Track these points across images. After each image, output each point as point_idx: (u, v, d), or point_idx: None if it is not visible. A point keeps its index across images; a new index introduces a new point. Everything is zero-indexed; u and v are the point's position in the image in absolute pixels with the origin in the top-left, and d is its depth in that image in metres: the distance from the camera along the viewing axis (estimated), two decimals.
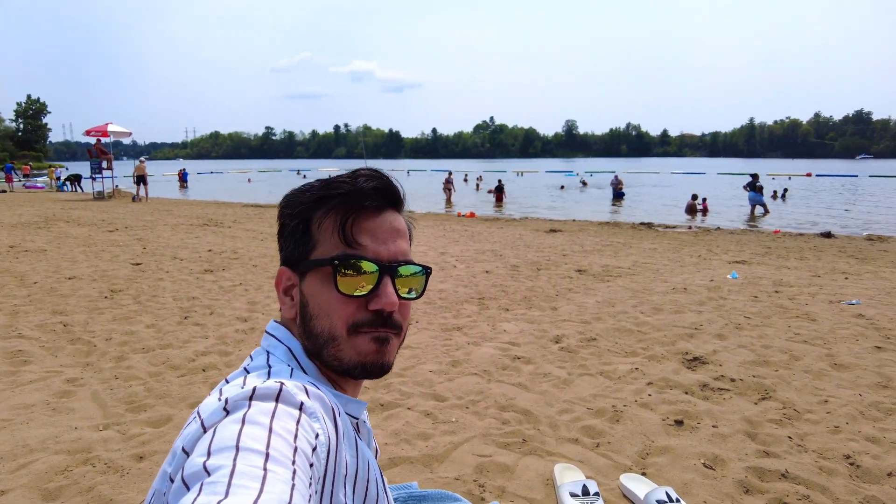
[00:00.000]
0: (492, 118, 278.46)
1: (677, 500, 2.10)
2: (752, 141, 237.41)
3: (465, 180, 39.20)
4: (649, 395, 3.33)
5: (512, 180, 41.65)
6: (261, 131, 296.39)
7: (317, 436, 0.65)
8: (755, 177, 19.17)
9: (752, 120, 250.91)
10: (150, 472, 2.44)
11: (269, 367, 0.77)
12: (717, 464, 2.53)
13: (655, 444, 2.72)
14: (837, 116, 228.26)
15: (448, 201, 23.49)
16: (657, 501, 2.08)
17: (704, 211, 18.91)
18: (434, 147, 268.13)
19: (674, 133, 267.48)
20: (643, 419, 2.98)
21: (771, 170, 57.58)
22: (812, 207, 22.34)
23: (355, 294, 0.77)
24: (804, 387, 3.47)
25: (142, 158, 21.51)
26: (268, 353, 0.81)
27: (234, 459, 0.55)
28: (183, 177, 37.67)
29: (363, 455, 0.77)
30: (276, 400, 0.65)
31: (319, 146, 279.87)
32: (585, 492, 2.12)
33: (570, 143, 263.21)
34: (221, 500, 0.50)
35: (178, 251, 8.58)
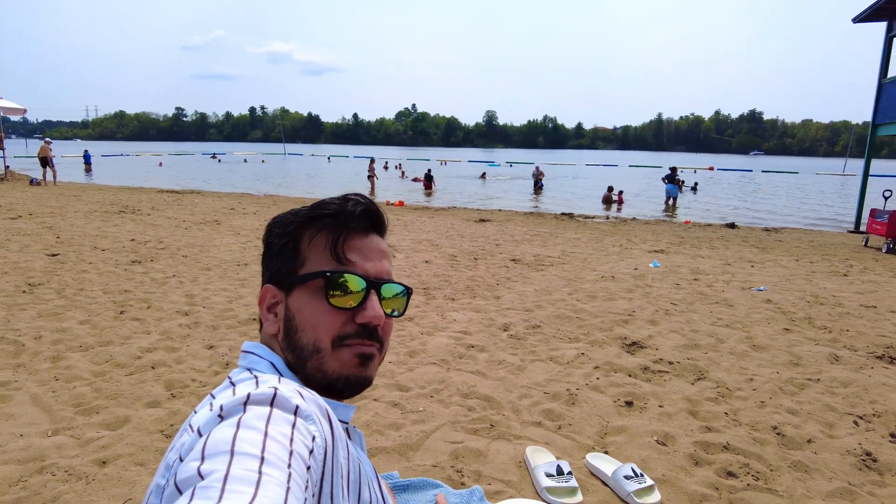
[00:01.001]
0: (414, 106, 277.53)
1: (641, 475, 2.30)
2: (660, 135, 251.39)
3: (386, 168, 39.06)
4: (597, 378, 3.57)
5: (436, 168, 41.88)
6: (171, 112, 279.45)
7: (313, 438, 0.65)
8: (674, 170, 20.32)
9: (660, 115, 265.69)
10: (119, 478, 2.36)
11: (256, 377, 0.77)
12: (667, 440, 2.78)
13: (611, 425, 2.94)
14: (735, 115, 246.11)
15: (372, 190, 23.30)
16: (625, 477, 2.27)
17: (620, 202, 19.90)
18: (355, 133, 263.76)
19: (588, 126, 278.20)
20: (596, 401, 3.20)
21: (677, 163, 61.26)
22: (719, 200, 24.13)
23: (344, 306, 0.80)
24: (731, 367, 3.84)
25: (46, 139, 19.72)
26: (249, 369, 0.81)
27: (229, 464, 0.55)
28: (86, 158, 34.98)
29: (354, 457, 0.77)
30: (272, 404, 0.65)
31: (234, 129, 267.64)
32: (560, 471, 2.27)
33: (491, 134, 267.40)
34: None
35: (98, 241, 8.04)
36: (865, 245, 11.24)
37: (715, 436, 2.81)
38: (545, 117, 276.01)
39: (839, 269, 8.13)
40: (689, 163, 71.09)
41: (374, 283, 0.83)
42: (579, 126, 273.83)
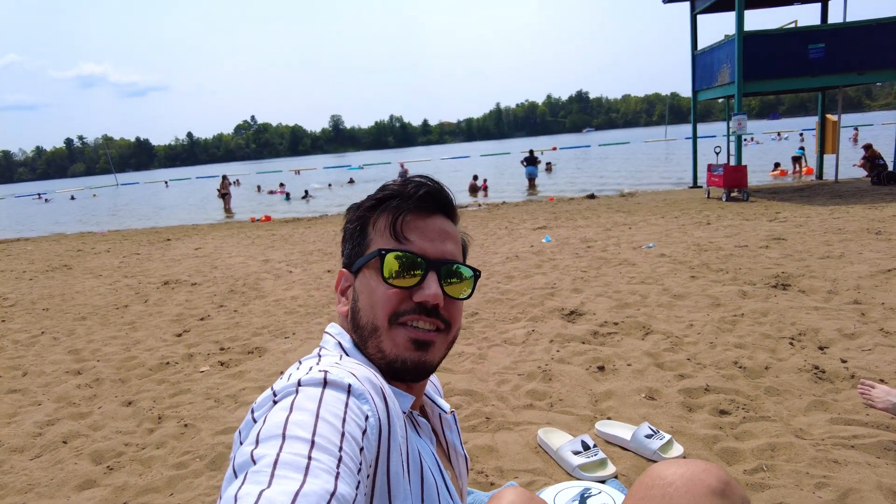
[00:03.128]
0: (253, 117, 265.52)
1: (657, 431, 2.32)
2: (500, 123, 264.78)
3: (238, 183, 37.21)
4: (557, 351, 3.59)
5: (291, 179, 40.48)
6: None
7: (366, 418, 0.65)
8: (532, 152, 21.50)
9: (498, 105, 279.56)
10: None
11: (320, 355, 0.80)
12: (654, 394, 2.86)
13: (597, 391, 2.96)
14: (564, 97, 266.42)
15: (227, 207, 21.80)
16: (645, 436, 2.28)
17: (485, 189, 20.67)
18: (192, 152, 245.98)
19: (434, 122, 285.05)
20: (570, 373, 3.21)
21: (519, 147, 65.01)
22: (572, 175, 25.93)
23: (400, 285, 0.81)
24: (667, 318, 4.07)
25: None
26: (320, 348, 0.86)
27: (280, 448, 0.55)
28: None
29: (413, 442, 0.77)
30: (324, 385, 0.65)
31: (49, 165, 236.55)
32: (585, 447, 2.22)
33: (339, 138, 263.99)
34: (263, 490, 0.50)
35: None
36: (708, 197, 12.69)
37: (691, 381, 2.94)
38: (392, 117, 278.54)
39: (701, 219, 9.07)
40: (531, 146, 75.70)
41: (433, 263, 0.82)
42: (425, 123, 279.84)
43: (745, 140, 34.57)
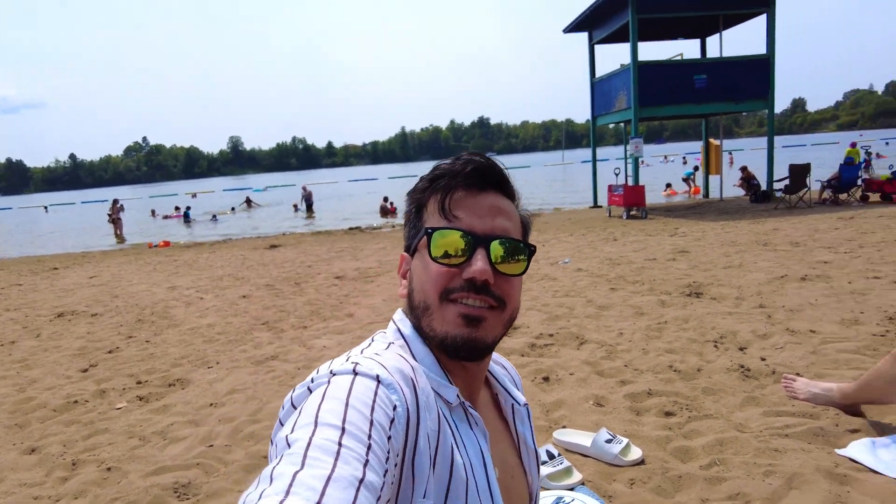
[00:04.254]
0: (145, 138, 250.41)
1: (615, 436, 2.38)
2: (406, 147, 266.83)
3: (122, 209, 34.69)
4: None
5: (189, 202, 38.40)
6: None
7: (394, 407, 0.67)
8: None
9: (403, 128, 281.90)
10: None
11: (372, 340, 0.84)
12: (602, 401, 2.94)
13: (546, 401, 3.00)
14: (467, 122, 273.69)
15: (118, 232, 20.26)
16: (606, 441, 2.33)
17: (394, 212, 20.73)
18: (76, 175, 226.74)
19: (338, 144, 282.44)
20: None
21: (425, 170, 65.63)
22: None
23: (448, 262, 0.80)
24: (598, 328, 4.23)
25: None
26: (380, 332, 0.88)
27: (312, 434, 0.58)
28: None
29: (446, 434, 0.75)
30: (354, 375, 0.68)
31: None
32: (550, 456, 2.23)
33: (238, 160, 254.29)
34: (297, 472, 0.53)
35: None
36: (609, 215, 13.46)
37: (634, 386, 3.06)
38: (295, 139, 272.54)
39: (607, 236, 9.59)
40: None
41: (482, 238, 0.81)
42: (330, 145, 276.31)
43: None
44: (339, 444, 0.57)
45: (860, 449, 2.19)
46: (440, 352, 0.82)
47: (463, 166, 0.83)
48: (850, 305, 4.18)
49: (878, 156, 28.03)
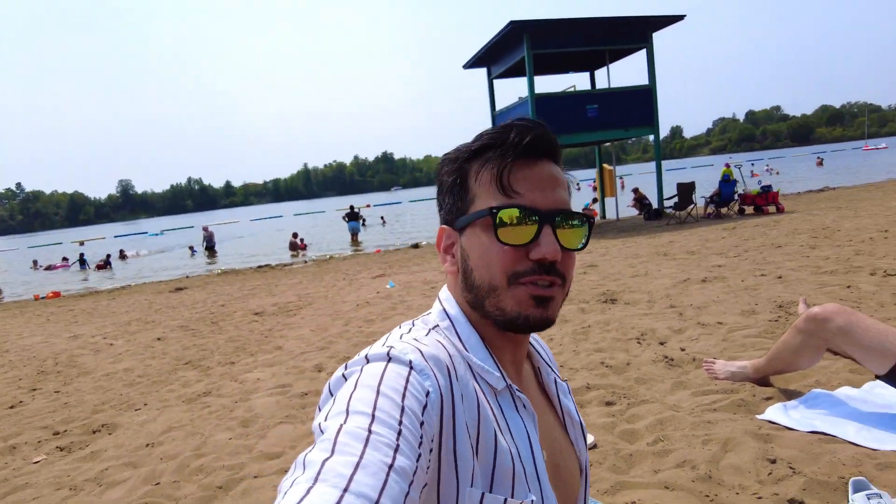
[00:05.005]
0: (20, 185, 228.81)
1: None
2: (309, 183, 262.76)
3: None
4: None
5: (77, 249, 35.46)
6: None
7: (427, 393, 0.66)
8: (352, 208, 21.75)
9: (306, 165, 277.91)
10: None
11: (413, 324, 0.82)
12: None
13: None
14: (371, 158, 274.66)
15: None
16: None
17: (303, 248, 20.37)
18: None
19: (237, 184, 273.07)
20: None
21: (335, 205, 65.15)
22: (386, 229, 26.74)
23: (515, 243, 0.76)
24: None
25: None
26: (427, 313, 0.85)
27: (344, 421, 0.59)
28: None
29: (488, 421, 0.73)
30: (387, 360, 0.68)
31: None
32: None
33: (129, 204, 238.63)
34: (327, 458, 0.54)
35: None
36: None
37: (573, 383, 3.25)
38: (190, 179, 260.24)
39: None
40: (340, 205, 76.54)
41: (547, 215, 0.76)
42: (228, 184, 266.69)
43: None
44: (369, 431, 0.57)
45: (775, 412, 2.49)
46: (499, 327, 0.80)
47: (518, 136, 0.77)
48: (746, 299, 4.68)
49: (752, 174, 31.44)
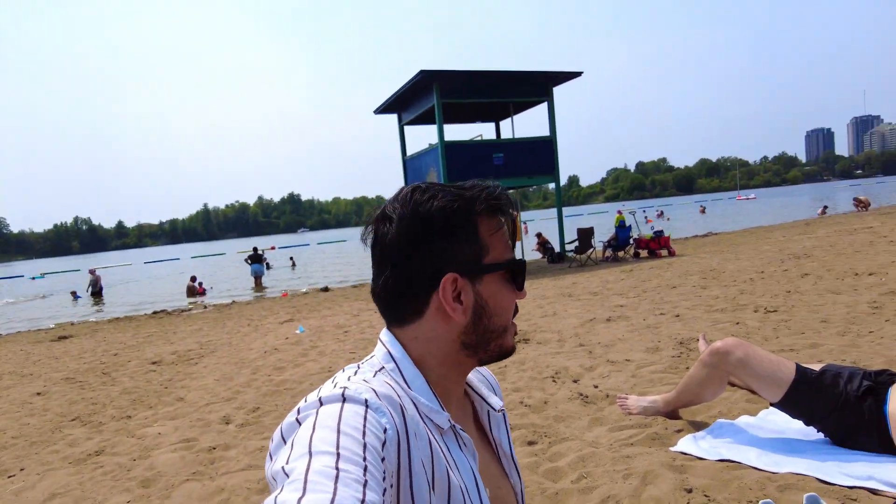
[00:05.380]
0: None
1: None
2: (209, 224, 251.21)
3: None
4: None
5: None
6: None
7: (385, 430, 0.68)
8: (256, 250, 20.99)
9: (206, 205, 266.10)
10: None
11: (358, 367, 0.83)
12: None
13: None
14: (277, 199, 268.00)
15: None
16: None
17: (202, 293, 19.37)
18: None
19: (130, 224, 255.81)
20: None
21: (237, 248, 62.69)
22: (296, 272, 26.01)
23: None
24: None
25: None
26: (371, 356, 0.86)
27: (309, 461, 0.60)
28: None
29: (440, 458, 0.77)
30: (342, 400, 0.69)
31: None
32: None
33: (3, 245, 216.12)
34: (301, 497, 0.55)
35: None
36: None
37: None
38: (77, 219, 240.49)
39: None
40: (242, 246, 73.96)
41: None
42: (120, 224, 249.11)
43: None
44: (337, 469, 0.58)
45: (687, 443, 2.63)
46: (484, 362, 0.89)
47: (503, 195, 0.88)
48: (650, 337, 4.97)
49: (646, 220, 33.92)
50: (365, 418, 0.67)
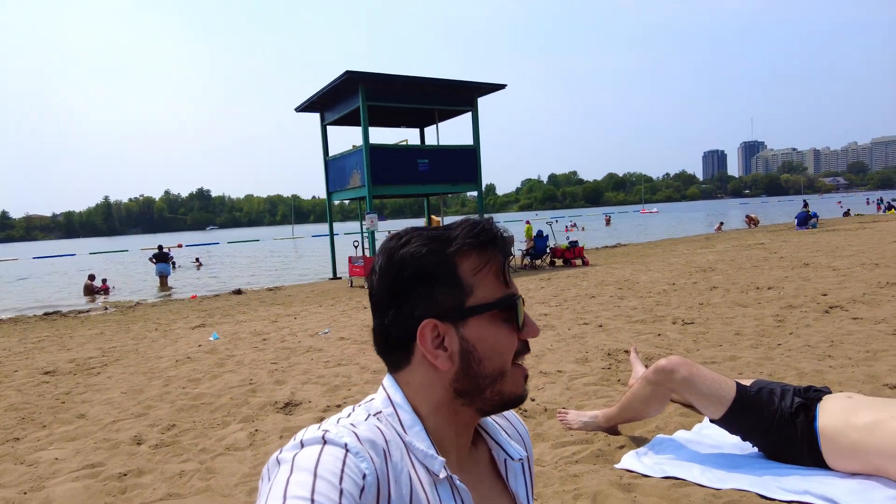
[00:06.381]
0: None
1: None
2: (110, 219, 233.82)
3: None
4: None
5: None
6: None
7: (364, 476, 0.68)
8: (161, 248, 19.72)
9: (107, 198, 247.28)
10: None
11: (353, 409, 0.83)
12: None
13: None
14: (185, 194, 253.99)
15: None
16: None
17: (105, 291, 18.03)
18: None
19: (18, 215, 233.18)
20: None
21: (135, 244, 58.63)
22: (205, 272, 24.65)
23: (518, 328, 0.83)
24: None
25: None
26: (371, 399, 0.86)
27: None
28: None
29: (423, 500, 0.76)
30: (322, 444, 0.69)
31: None
32: None
33: None
34: None
35: None
36: (351, 286, 13.83)
37: None
38: None
39: (356, 305, 9.85)
40: (147, 243, 69.43)
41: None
42: (4, 215, 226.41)
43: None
44: None
45: (631, 460, 2.66)
46: (484, 412, 0.84)
47: (500, 233, 0.84)
48: (577, 347, 5.07)
49: (566, 229, 35.21)
50: (344, 462, 0.67)
